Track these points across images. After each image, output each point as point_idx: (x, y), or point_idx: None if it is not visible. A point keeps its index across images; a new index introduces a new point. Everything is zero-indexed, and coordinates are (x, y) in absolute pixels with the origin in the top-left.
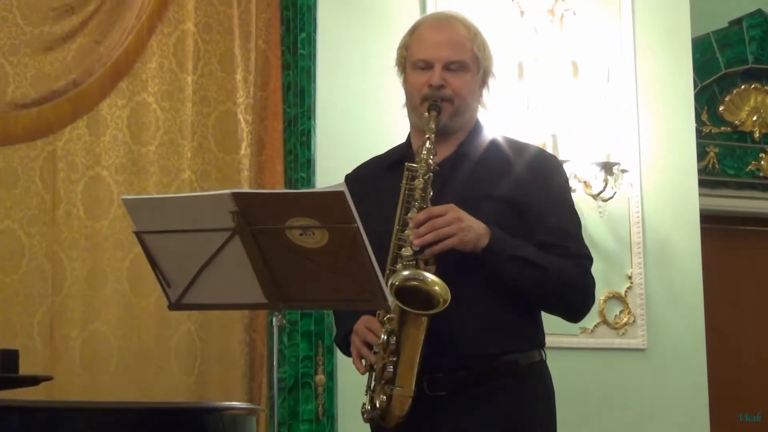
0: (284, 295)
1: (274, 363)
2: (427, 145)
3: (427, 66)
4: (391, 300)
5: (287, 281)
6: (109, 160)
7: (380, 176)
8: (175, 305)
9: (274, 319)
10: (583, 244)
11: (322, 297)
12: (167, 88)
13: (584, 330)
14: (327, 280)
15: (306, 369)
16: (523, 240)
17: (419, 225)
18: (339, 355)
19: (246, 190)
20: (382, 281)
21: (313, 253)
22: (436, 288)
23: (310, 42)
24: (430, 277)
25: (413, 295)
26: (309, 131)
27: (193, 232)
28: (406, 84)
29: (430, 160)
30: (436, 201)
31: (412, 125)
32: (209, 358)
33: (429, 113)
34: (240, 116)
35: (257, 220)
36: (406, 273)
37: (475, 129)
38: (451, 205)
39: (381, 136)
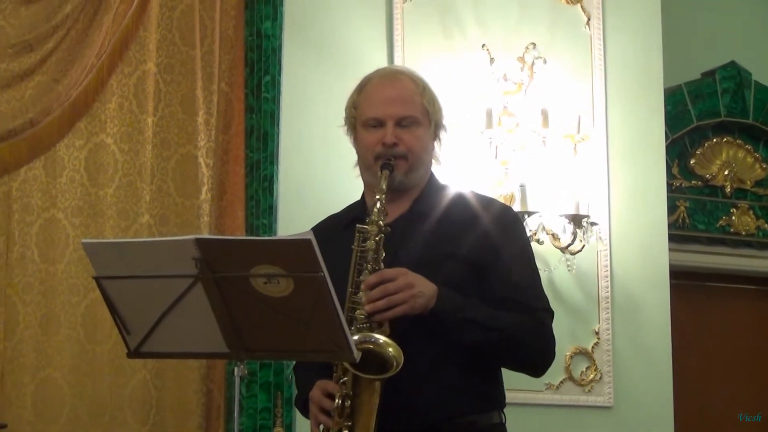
0: (246, 345)
1: (235, 414)
2: (378, 205)
3: (379, 124)
4: (357, 353)
5: (250, 330)
6: (65, 203)
7: (336, 236)
8: (135, 353)
9: (235, 369)
10: (542, 297)
11: (285, 347)
12: (127, 129)
13: (549, 386)
14: (291, 331)
15: (264, 421)
16: (478, 298)
17: (371, 288)
18: None
19: (210, 236)
20: (348, 332)
21: (278, 303)
22: (390, 350)
23: (275, 85)
24: (383, 339)
25: (368, 359)
26: (272, 176)
27: (155, 278)
28: (358, 143)
29: (381, 222)
30: (391, 261)
31: (366, 184)
32: (165, 408)
33: (381, 173)
34: (201, 160)
35: (221, 268)
36: (356, 337)
37: (430, 184)
38: (403, 270)
39: (346, 183)
